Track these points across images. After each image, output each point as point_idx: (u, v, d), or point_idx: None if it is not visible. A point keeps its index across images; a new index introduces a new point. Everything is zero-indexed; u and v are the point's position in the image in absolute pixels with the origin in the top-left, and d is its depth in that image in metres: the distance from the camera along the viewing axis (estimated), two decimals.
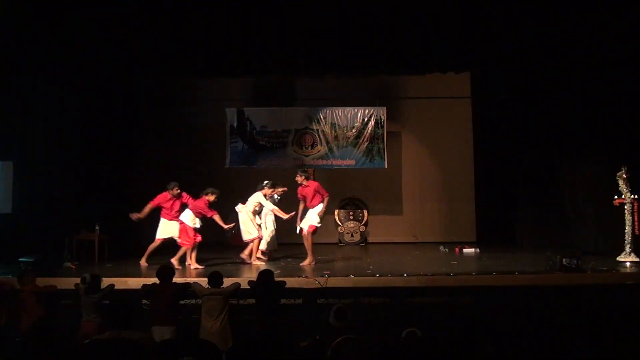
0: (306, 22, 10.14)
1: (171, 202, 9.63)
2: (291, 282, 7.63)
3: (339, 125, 12.56)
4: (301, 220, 9.79)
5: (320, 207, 9.62)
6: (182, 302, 6.89)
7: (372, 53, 10.59)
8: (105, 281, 6.95)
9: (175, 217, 9.59)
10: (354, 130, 12.52)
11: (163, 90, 13.17)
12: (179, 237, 9.50)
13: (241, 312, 7.05)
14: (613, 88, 10.01)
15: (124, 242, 11.44)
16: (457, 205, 13.58)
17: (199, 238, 9.53)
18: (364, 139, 12.50)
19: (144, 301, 6.88)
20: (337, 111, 12.57)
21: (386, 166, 12.62)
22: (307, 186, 9.72)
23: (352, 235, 13.35)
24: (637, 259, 9.39)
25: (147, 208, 9.61)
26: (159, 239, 9.68)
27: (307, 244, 9.67)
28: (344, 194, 13.68)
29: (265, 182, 10.08)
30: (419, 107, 13.56)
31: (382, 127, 12.49)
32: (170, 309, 6.44)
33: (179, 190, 9.65)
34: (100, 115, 11.55)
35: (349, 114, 12.57)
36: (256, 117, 12.57)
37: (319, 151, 12.60)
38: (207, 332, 6.29)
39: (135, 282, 7.65)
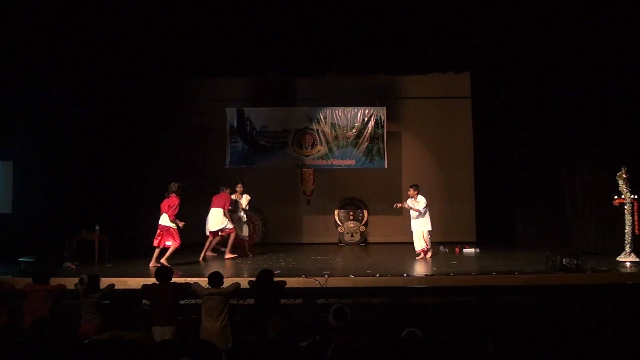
0: (306, 22, 10.12)
1: None
2: (291, 282, 7.63)
3: (339, 125, 12.56)
4: None
5: None
6: (182, 302, 6.89)
7: (372, 53, 10.57)
8: (105, 281, 6.96)
9: None
10: (354, 130, 12.52)
11: (163, 90, 13.17)
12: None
13: (241, 312, 7.04)
14: (613, 88, 10.01)
15: (124, 242, 11.47)
16: (457, 205, 13.57)
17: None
18: (364, 139, 12.50)
19: (144, 301, 6.88)
20: (337, 111, 12.57)
21: (386, 166, 12.63)
22: None
23: (352, 235, 13.33)
24: (637, 259, 9.39)
25: None
26: None
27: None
28: (344, 194, 13.69)
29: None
30: (419, 107, 13.57)
31: (382, 127, 12.49)
32: (170, 309, 6.44)
33: None
34: (100, 115, 11.58)
35: (349, 114, 12.57)
36: (256, 117, 12.57)
37: (319, 151, 12.60)
38: (207, 332, 6.29)
39: (135, 282, 7.66)
